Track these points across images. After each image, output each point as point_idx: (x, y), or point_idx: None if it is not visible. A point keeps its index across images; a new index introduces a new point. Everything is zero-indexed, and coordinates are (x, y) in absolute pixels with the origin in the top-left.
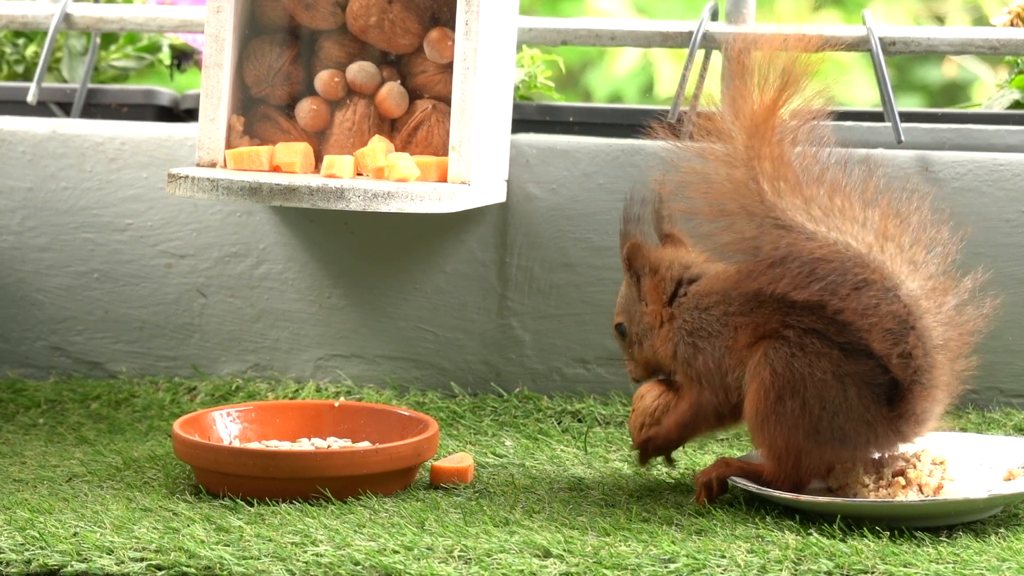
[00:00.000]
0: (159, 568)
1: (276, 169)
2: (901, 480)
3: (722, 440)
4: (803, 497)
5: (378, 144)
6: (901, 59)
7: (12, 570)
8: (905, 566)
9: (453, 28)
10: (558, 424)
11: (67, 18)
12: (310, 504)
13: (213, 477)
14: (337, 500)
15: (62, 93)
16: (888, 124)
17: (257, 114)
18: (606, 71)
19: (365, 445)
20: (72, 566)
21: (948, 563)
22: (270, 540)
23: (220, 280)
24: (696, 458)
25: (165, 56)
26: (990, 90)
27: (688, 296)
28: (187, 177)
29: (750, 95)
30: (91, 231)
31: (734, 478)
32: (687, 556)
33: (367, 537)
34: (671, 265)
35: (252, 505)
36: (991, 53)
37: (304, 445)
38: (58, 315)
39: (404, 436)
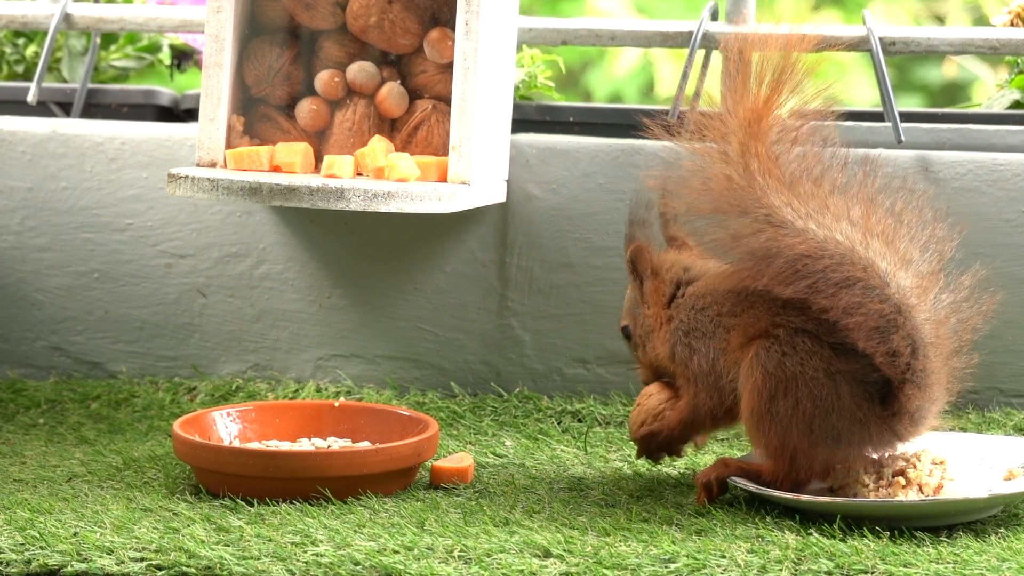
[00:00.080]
0: (159, 568)
1: (276, 169)
2: (901, 480)
3: (722, 440)
4: (803, 497)
5: (378, 144)
6: (901, 59)
7: (12, 570)
8: (905, 566)
9: (453, 28)
10: (558, 424)
11: (67, 18)
12: (310, 504)
13: (213, 477)
14: (337, 500)
15: (62, 93)
16: (888, 124)
17: (257, 114)
18: (606, 71)
19: (365, 445)
20: (72, 566)
21: (948, 563)
22: (270, 540)
23: (220, 280)
24: (696, 458)
25: (165, 56)
26: (990, 90)
27: (685, 297)
28: (187, 177)
29: (746, 93)
30: (91, 231)
31: (734, 478)
32: (687, 556)
33: (367, 537)
34: (671, 267)
35: (252, 505)
36: (991, 53)
37: (304, 445)
38: (58, 315)
39: (404, 436)
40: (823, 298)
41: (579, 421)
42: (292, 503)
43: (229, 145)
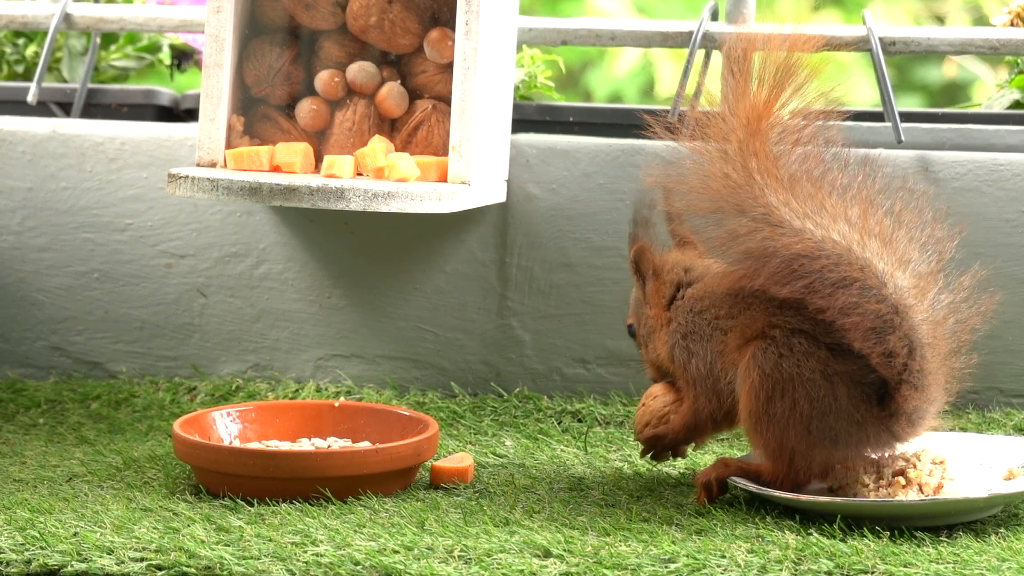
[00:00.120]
0: (159, 568)
1: (276, 169)
2: (901, 480)
3: (722, 440)
4: (803, 497)
5: (378, 144)
6: (901, 59)
7: (12, 570)
8: (905, 566)
9: (453, 28)
10: (558, 424)
11: (67, 18)
12: (310, 504)
13: (213, 477)
14: (337, 500)
15: (62, 93)
16: (888, 124)
17: (257, 114)
18: (606, 71)
19: (365, 445)
20: (72, 566)
21: (948, 563)
22: (270, 540)
23: (220, 280)
24: (696, 458)
25: (165, 56)
26: (990, 90)
27: (684, 300)
28: (187, 177)
29: (747, 93)
30: (91, 231)
31: (734, 478)
32: (687, 556)
33: (367, 537)
34: (672, 268)
35: (252, 505)
36: (991, 53)
37: (304, 445)
38: (58, 315)
39: (404, 436)
40: (820, 298)
41: (579, 421)
42: (292, 503)
43: (229, 145)
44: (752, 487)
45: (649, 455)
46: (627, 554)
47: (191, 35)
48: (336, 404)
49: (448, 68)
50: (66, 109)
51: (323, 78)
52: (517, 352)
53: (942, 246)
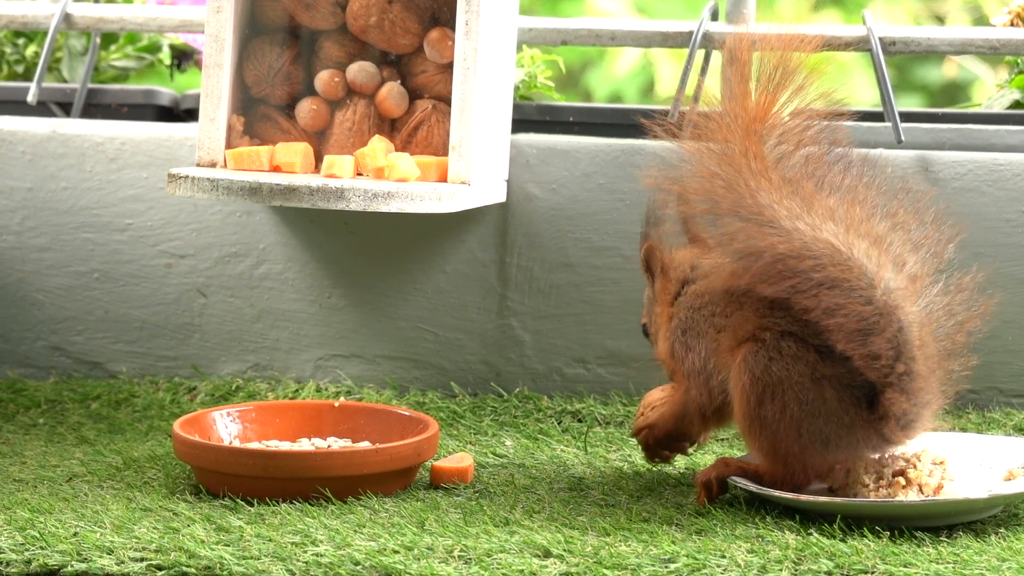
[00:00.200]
0: (159, 568)
1: (276, 169)
2: (901, 480)
3: (722, 440)
4: (803, 497)
5: (378, 144)
6: (901, 59)
7: (12, 570)
8: (905, 566)
9: (453, 28)
10: (558, 424)
11: (67, 18)
12: (310, 504)
13: (213, 477)
14: (337, 500)
15: (62, 93)
16: (888, 124)
17: (257, 114)
18: (606, 71)
19: (365, 445)
20: (72, 566)
21: (948, 563)
22: (270, 540)
23: (220, 280)
24: (696, 458)
25: (165, 56)
26: (990, 90)
27: (686, 296)
28: (187, 177)
29: (746, 93)
30: (91, 231)
31: (734, 478)
32: (687, 556)
33: (367, 537)
34: (679, 266)
35: (252, 505)
36: (991, 53)
37: (304, 445)
38: (58, 315)
39: (404, 436)
40: (805, 298)
41: (579, 421)
42: (292, 503)
43: (229, 145)
44: (752, 487)
45: (648, 453)
46: (627, 554)
47: (191, 35)
48: (336, 404)
49: (448, 68)
50: (66, 109)
51: (323, 78)
52: (517, 352)
53: (938, 247)
